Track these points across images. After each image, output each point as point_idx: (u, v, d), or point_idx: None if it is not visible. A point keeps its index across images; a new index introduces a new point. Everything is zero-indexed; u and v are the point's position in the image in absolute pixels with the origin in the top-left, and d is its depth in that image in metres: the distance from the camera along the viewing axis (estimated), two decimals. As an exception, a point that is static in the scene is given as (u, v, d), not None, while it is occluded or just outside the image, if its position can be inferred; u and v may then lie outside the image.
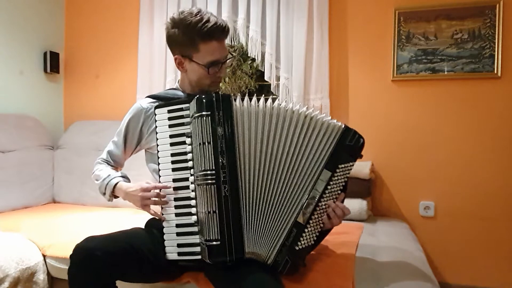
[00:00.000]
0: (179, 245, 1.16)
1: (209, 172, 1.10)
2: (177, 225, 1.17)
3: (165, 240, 1.18)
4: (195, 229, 1.15)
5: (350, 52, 2.40)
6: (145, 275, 1.24)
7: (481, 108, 2.18)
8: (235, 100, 1.15)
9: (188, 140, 1.16)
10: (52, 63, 2.82)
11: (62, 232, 1.78)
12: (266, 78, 2.44)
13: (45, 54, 2.81)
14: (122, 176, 1.35)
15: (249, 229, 1.13)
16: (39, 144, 2.53)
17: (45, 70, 2.82)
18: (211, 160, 1.10)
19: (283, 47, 2.41)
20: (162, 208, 1.20)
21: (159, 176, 1.21)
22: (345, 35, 2.40)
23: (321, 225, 1.19)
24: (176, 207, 1.17)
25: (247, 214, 1.13)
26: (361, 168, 2.14)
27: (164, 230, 1.18)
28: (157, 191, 1.19)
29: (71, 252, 1.13)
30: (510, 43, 2.12)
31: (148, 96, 1.40)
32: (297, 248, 1.15)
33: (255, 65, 2.51)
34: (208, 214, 1.10)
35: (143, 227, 1.38)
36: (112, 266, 1.11)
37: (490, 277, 2.15)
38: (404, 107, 2.30)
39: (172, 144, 1.19)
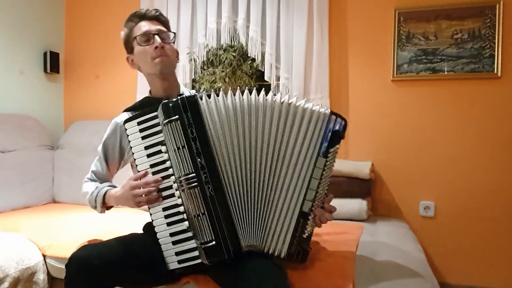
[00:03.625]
0: (177, 253, 1.16)
1: (190, 175, 1.10)
2: (171, 234, 1.16)
3: (163, 252, 1.17)
4: (190, 234, 1.14)
5: (350, 52, 2.40)
6: (144, 281, 1.24)
7: (481, 108, 2.18)
8: (201, 99, 1.14)
9: (163, 148, 1.16)
10: (52, 63, 2.82)
11: (62, 232, 1.78)
12: (266, 78, 2.45)
13: (45, 54, 2.81)
14: (110, 186, 1.35)
15: (242, 224, 1.13)
16: (39, 144, 2.53)
17: (45, 70, 2.82)
18: (189, 163, 1.10)
19: (283, 47, 2.41)
20: (149, 208, 1.19)
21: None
22: (345, 35, 2.40)
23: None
24: (166, 216, 1.17)
25: (237, 209, 1.13)
26: (361, 168, 2.14)
27: (160, 242, 1.17)
28: (149, 187, 1.17)
29: (71, 252, 1.12)
30: (510, 43, 2.12)
31: (125, 110, 1.39)
32: (305, 236, 1.18)
33: (255, 65, 2.51)
34: (198, 217, 1.10)
35: (141, 230, 1.38)
36: (109, 274, 1.11)
37: (490, 277, 2.15)
38: (404, 107, 2.30)
39: (149, 155, 1.18)
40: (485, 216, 2.17)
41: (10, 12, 2.57)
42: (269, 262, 1.10)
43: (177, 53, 1.40)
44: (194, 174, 1.10)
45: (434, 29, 2.23)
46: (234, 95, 1.16)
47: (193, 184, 1.10)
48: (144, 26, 1.32)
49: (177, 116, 1.11)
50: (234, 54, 2.51)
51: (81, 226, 1.85)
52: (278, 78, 2.44)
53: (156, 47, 1.29)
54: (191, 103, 1.13)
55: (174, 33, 1.38)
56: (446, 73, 2.22)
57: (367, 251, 1.54)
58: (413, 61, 2.26)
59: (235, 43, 2.54)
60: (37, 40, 2.76)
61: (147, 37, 1.31)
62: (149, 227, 1.34)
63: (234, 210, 1.13)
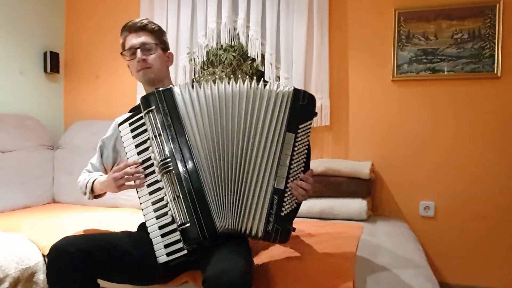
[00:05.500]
0: (165, 246, 1.18)
1: (166, 160, 1.17)
2: (160, 227, 1.19)
3: (154, 245, 1.20)
4: (176, 225, 1.17)
5: (350, 52, 2.40)
6: (137, 277, 1.24)
7: (481, 108, 2.18)
8: (177, 90, 1.23)
9: (149, 143, 1.23)
10: (52, 63, 2.82)
11: (62, 232, 1.77)
12: (266, 78, 2.44)
13: (45, 54, 2.81)
14: (100, 174, 1.47)
15: (216, 205, 1.17)
16: (39, 144, 2.53)
17: (45, 70, 2.82)
18: (165, 149, 1.18)
19: (283, 47, 2.41)
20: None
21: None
22: (345, 35, 2.40)
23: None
24: (155, 210, 1.21)
25: (211, 191, 1.18)
26: (361, 168, 2.14)
27: (150, 236, 1.20)
28: (128, 169, 1.25)
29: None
30: (510, 43, 2.12)
31: (129, 111, 1.42)
32: (283, 214, 1.20)
33: (255, 65, 2.51)
34: (174, 200, 1.16)
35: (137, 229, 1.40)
36: (87, 262, 1.12)
37: (490, 277, 2.15)
38: (404, 107, 2.30)
39: (139, 153, 1.26)
40: (485, 216, 2.17)
41: (10, 12, 2.57)
42: (228, 245, 1.14)
43: (171, 56, 1.52)
44: (169, 159, 1.17)
45: (434, 29, 2.23)
46: (208, 85, 1.24)
47: (169, 168, 1.16)
48: (130, 40, 1.42)
49: (153, 107, 1.21)
50: (234, 54, 2.51)
51: (81, 226, 1.85)
52: (278, 78, 2.44)
53: (138, 61, 1.40)
54: (167, 94, 1.22)
55: (156, 43, 1.44)
56: (446, 73, 2.22)
57: (367, 251, 1.54)
58: (413, 61, 2.26)
59: (235, 43, 2.54)
60: (37, 40, 2.76)
61: (132, 51, 1.41)
62: (143, 226, 1.36)
63: (208, 191, 1.17)
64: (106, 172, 1.52)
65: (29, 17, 2.70)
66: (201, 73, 2.62)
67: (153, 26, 1.45)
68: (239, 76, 2.50)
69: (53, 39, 2.89)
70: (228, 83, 1.24)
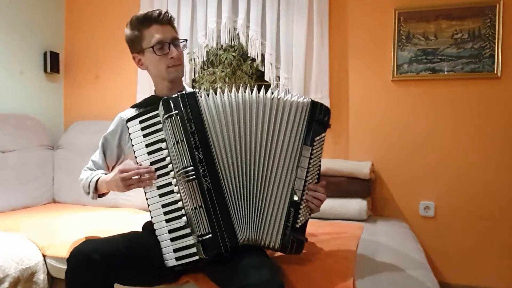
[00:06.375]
0: (175, 250, 1.17)
1: (188, 168, 1.13)
2: (170, 231, 1.18)
3: (162, 249, 1.18)
4: (188, 230, 1.16)
5: (350, 52, 2.40)
6: (145, 279, 1.24)
7: (481, 108, 2.18)
8: (201, 95, 1.18)
9: (163, 145, 1.19)
10: (52, 63, 2.82)
11: (62, 232, 1.78)
12: (266, 78, 2.45)
13: (45, 54, 2.81)
14: (104, 173, 1.41)
15: (238, 217, 1.15)
16: (39, 144, 2.53)
17: (45, 70, 2.82)
18: (188, 157, 1.13)
19: (283, 47, 2.41)
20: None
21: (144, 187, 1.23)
22: (345, 35, 2.40)
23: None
24: (165, 213, 1.19)
25: (234, 202, 1.16)
26: (361, 168, 2.14)
27: (159, 239, 1.19)
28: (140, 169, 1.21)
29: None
30: (510, 43, 2.12)
31: (132, 106, 1.41)
32: (297, 226, 1.19)
33: (255, 65, 2.51)
34: (195, 210, 1.12)
35: (141, 229, 1.38)
36: (110, 269, 1.11)
37: (490, 277, 2.15)
38: (404, 107, 2.30)
39: (149, 153, 1.21)
40: (485, 216, 2.17)
41: (10, 12, 2.57)
42: (259, 256, 1.12)
43: None
44: (192, 167, 1.12)
45: (434, 29, 2.23)
46: (230, 92, 1.19)
47: (191, 177, 1.12)
48: (157, 32, 1.32)
49: (176, 111, 1.15)
50: (234, 54, 2.51)
51: (81, 226, 1.85)
52: (278, 78, 2.44)
53: (172, 57, 1.33)
54: (191, 99, 1.16)
55: (186, 40, 1.40)
56: (446, 73, 2.22)
57: (367, 251, 1.54)
58: (413, 61, 2.26)
59: (235, 43, 2.54)
60: (37, 40, 2.76)
61: (162, 45, 1.32)
62: (148, 226, 1.34)
63: (231, 203, 1.15)
64: (109, 169, 1.47)
65: (29, 17, 2.70)
66: (201, 73, 2.62)
67: (174, 20, 1.39)
68: (239, 75, 2.50)
69: (53, 39, 2.89)
70: (251, 90, 1.20)
